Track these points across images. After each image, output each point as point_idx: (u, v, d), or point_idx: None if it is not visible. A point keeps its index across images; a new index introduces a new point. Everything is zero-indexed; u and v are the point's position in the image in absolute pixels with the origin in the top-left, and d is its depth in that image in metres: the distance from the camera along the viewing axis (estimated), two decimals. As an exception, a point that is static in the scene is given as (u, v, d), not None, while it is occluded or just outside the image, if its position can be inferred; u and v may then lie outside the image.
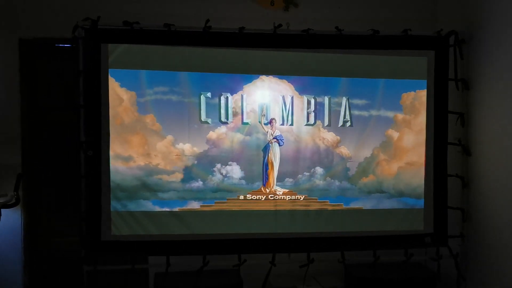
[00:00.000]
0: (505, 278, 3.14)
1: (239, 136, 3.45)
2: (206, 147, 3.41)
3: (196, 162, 3.40)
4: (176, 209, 3.40)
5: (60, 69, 3.82)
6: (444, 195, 3.62)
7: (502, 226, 3.18)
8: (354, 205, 3.57)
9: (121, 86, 3.30)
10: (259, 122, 3.48)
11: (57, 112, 3.86)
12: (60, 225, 3.88)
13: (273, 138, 3.49)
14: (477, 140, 3.50)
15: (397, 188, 3.61)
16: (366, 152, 3.57)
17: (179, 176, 3.39)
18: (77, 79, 3.26)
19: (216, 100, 3.42)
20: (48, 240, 3.89)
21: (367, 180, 3.58)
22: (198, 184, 3.41)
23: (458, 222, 3.61)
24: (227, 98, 3.43)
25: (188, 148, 3.38)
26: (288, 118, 3.50)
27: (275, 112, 3.48)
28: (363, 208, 3.58)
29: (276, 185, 3.49)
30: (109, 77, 3.29)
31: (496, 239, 3.25)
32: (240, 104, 3.44)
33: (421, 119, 3.60)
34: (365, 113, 3.55)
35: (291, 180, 3.51)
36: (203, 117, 3.41)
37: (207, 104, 3.41)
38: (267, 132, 3.48)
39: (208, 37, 3.38)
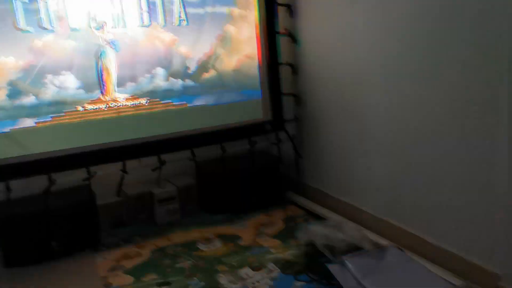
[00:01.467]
0: (333, 150, 3.58)
1: (69, 43, 3.16)
2: (31, 57, 3.06)
3: (21, 75, 3.05)
4: (7, 129, 3.08)
5: None
6: (278, 83, 3.87)
7: (328, 106, 3.56)
8: (198, 102, 3.63)
9: None
10: (89, 27, 3.22)
11: None
12: None
13: (106, 43, 3.28)
14: (303, 29, 3.73)
15: (237, 81, 3.74)
16: (205, 48, 3.58)
17: (3, 92, 3.03)
18: None
19: (35, 4, 3.04)
20: None
21: (208, 76, 3.63)
22: (30, 99, 3.10)
23: (293, 107, 3.94)
24: (46, 1, 3.06)
25: (11, 60, 3.01)
26: (120, 20, 3.30)
27: (106, 15, 3.24)
28: (207, 105, 3.66)
29: (117, 91, 3.35)
30: None
31: (324, 118, 3.63)
32: (63, 7, 3.12)
33: (256, 13, 3.70)
34: (200, 10, 3.51)
35: (133, 84, 3.39)
36: (22, 25, 3.02)
37: (25, 10, 3.01)
38: (99, 37, 3.25)
39: None
